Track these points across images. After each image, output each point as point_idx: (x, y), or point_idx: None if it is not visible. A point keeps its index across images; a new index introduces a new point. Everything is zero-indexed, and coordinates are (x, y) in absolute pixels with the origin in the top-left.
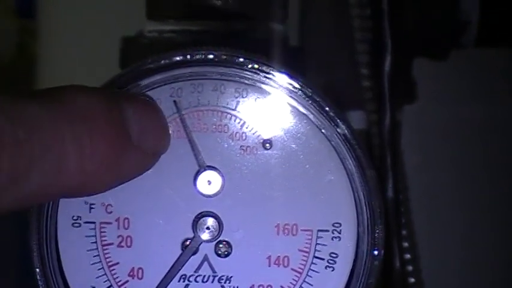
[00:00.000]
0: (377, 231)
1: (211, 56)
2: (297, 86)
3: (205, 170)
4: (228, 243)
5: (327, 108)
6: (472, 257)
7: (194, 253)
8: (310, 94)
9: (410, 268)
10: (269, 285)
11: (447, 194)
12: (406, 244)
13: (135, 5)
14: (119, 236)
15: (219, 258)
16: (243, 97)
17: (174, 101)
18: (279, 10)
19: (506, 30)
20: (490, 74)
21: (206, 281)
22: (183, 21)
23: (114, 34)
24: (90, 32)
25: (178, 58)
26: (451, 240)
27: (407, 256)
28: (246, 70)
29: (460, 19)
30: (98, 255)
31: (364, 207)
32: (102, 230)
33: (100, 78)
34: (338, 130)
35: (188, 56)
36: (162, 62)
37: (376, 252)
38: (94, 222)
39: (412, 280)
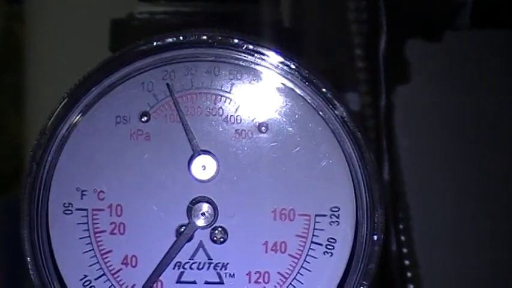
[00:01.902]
0: (376, 215)
1: (205, 37)
2: (293, 67)
3: (199, 154)
4: (223, 229)
5: (324, 90)
6: (465, 238)
7: (189, 240)
8: (307, 75)
9: (405, 250)
10: (266, 272)
11: (438, 176)
12: (401, 226)
13: None
14: (111, 223)
15: (215, 244)
16: (237, 79)
17: (167, 84)
18: None
19: (500, 11)
20: (483, 56)
21: (201, 268)
22: (175, 2)
23: (103, 16)
24: (79, 15)
25: (171, 39)
26: (443, 223)
27: (402, 238)
28: (241, 52)
29: (455, 0)
30: (90, 243)
31: (363, 191)
32: (95, 217)
33: (90, 61)
34: (336, 112)
35: (181, 37)
36: (155, 43)
37: (375, 237)
38: (86, 209)
39: (407, 262)
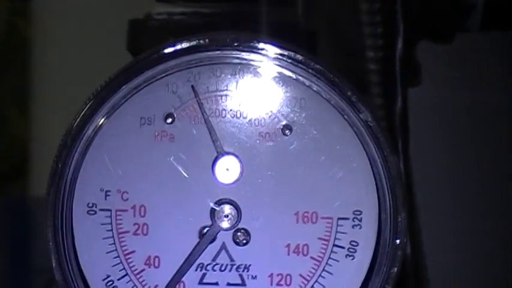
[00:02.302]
0: (399, 219)
1: (231, 40)
2: (319, 71)
3: (223, 156)
4: (246, 231)
5: (349, 93)
6: (468, 238)
7: (212, 241)
8: (332, 78)
9: (415, 252)
10: (288, 274)
11: (441, 177)
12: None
13: None
14: (135, 224)
15: (237, 246)
16: (262, 83)
17: (192, 86)
18: None
19: (511, 13)
20: (493, 58)
21: (224, 270)
22: (194, 3)
23: (120, 16)
24: (93, 14)
25: (196, 42)
26: (447, 224)
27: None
28: (267, 56)
29: (466, 2)
30: (114, 243)
31: (387, 195)
32: (118, 217)
33: (104, 62)
34: (361, 116)
35: (207, 40)
36: (180, 45)
37: (398, 241)
38: (110, 210)
39: (418, 265)
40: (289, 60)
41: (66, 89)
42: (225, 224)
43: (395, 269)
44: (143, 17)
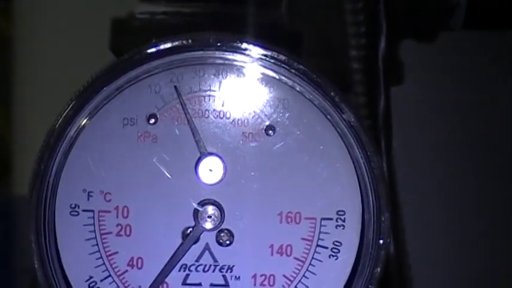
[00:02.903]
0: (383, 219)
1: (214, 40)
2: (302, 71)
3: (206, 156)
4: (229, 231)
5: (332, 94)
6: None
7: (195, 242)
8: (315, 79)
9: (399, 251)
10: (272, 275)
11: (425, 175)
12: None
13: None
14: (117, 225)
15: (221, 247)
16: (245, 83)
17: (175, 86)
18: None
19: (494, 12)
20: (476, 57)
21: (207, 271)
22: (175, 2)
23: (102, 15)
24: (74, 14)
25: (179, 42)
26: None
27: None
28: (251, 56)
29: (449, 1)
30: (97, 244)
31: (370, 195)
32: (101, 218)
33: (86, 61)
34: (344, 116)
35: (190, 40)
36: (163, 46)
37: (381, 241)
38: (92, 211)
39: (402, 263)
40: (272, 61)
41: (48, 89)
42: (208, 224)
43: (379, 269)
44: (126, 16)
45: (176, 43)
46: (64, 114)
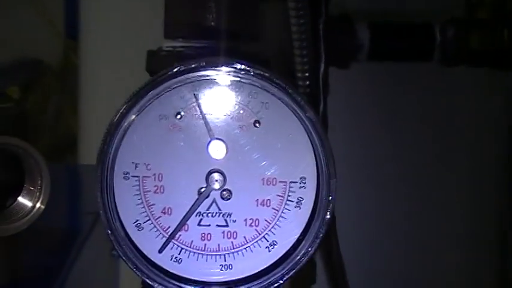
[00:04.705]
0: (331, 182)
1: (217, 62)
2: (279, 84)
3: (213, 139)
4: (229, 190)
5: (299, 99)
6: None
7: (206, 197)
8: (288, 89)
9: None
10: (257, 219)
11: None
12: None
13: (156, 29)
14: (155, 186)
15: (223, 200)
16: (240, 91)
17: (194, 94)
18: (253, 30)
19: (395, 49)
20: (380, 85)
21: (214, 216)
22: (190, 40)
23: (141, 49)
24: (121, 48)
25: (195, 64)
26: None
27: None
28: (245, 73)
29: (356, 42)
30: (141, 199)
31: (323, 166)
32: (144, 181)
33: (130, 81)
34: (307, 114)
35: (204, 63)
36: (184, 67)
37: (331, 197)
38: (138, 176)
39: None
40: (259, 76)
41: (107, 96)
42: (216, 185)
43: (329, 215)
44: (156, 49)
45: (193, 65)
46: (120, 112)
